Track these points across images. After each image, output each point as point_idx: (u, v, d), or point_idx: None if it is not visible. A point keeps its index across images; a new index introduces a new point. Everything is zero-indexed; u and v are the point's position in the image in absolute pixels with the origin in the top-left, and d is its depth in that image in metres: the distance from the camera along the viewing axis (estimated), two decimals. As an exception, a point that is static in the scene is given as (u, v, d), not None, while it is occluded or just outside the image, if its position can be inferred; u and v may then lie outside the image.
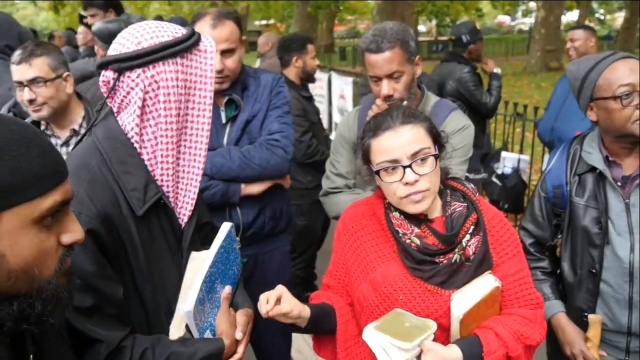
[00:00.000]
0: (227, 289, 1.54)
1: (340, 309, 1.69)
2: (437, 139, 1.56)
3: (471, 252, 1.54)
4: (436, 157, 1.51)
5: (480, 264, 1.54)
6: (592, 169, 1.90)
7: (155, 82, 1.38)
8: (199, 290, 1.38)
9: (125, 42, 1.38)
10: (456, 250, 1.53)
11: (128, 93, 1.39)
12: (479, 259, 1.54)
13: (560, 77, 4.73)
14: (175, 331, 1.45)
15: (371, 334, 1.41)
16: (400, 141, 1.49)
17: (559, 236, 2.05)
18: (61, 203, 0.90)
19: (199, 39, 1.44)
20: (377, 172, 1.53)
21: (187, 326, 1.44)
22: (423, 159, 1.49)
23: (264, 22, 42.37)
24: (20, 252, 0.86)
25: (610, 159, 1.88)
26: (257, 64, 7.03)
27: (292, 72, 3.86)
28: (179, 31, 1.42)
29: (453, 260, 1.52)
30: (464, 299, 1.49)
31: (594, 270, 1.89)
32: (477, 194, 1.64)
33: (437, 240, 1.53)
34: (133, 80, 1.38)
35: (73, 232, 0.94)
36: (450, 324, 1.52)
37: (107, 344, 1.32)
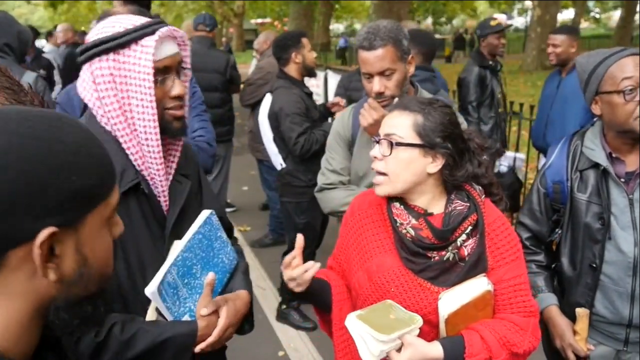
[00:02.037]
0: (210, 275, 1.51)
1: (336, 287, 1.72)
2: (425, 139, 1.55)
3: (466, 253, 1.54)
4: (393, 144, 1.54)
5: (474, 266, 1.54)
6: (595, 165, 1.90)
7: (94, 77, 1.43)
8: (165, 273, 1.40)
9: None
10: (450, 248, 1.54)
11: (89, 84, 1.46)
12: (473, 261, 1.54)
13: (547, 77, 4.76)
14: (149, 316, 1.48)
15: (352, 322, 1.43)
16: (386, 121, 1.61)
17: (558, 231, 2.05)
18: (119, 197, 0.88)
19: (141, 35, 1.40)
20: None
21: (159, 310, 1.46)
22: (390, 143, 1.55)
23: (259, 20, 42.33)
24: (100, 254, 0.82)
25: (614, 155, 1.88)
26: (253, 62, 7.04)
27: (292, 69, 3.85)
28: (127, 25, 1.40)
29: (445, 258, 1.53)
30: (452, 299, 1.49)
31: (594, 265, 1.90)
32: (483, 196, 1.64)
33: (432, 234, 1.54)
34: (85, 73, 1.46)
35: (119, 224, 0.90)
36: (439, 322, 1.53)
37: None
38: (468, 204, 1.59)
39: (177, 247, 1.48)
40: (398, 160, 1.54)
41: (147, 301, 1.46)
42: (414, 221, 1.57)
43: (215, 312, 1.50)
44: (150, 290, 1.38)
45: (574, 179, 1.95)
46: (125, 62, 1.40)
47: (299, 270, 1.55)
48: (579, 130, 2.07)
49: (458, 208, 1.58)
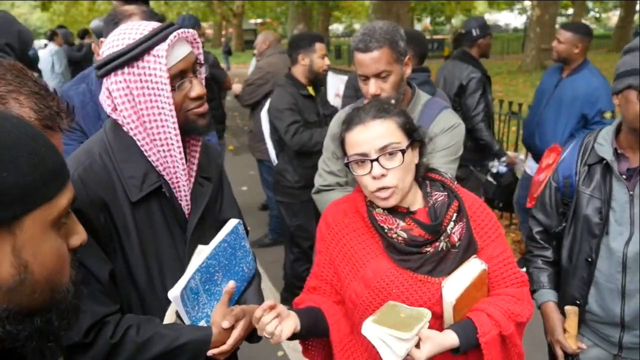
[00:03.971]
0: (231, 284, 1.54)
1: (328, 309, 1.69)
2: (411, 134, 1.57)
3: (456, 239, 1.56)
4: (403, 152, 1.51)
5: (466, 250, 1.57)
6: (601, 160, 1.92)
7: (110, 91, 1.43)
8: (189, 279, 1.41)
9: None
10: (442, 238, 1.55)
11: (105, 96, 1.48)
12: (465, 245, 1.57)
13: (546, 70, 4.64)
14: (168, 318, 1.50)
15: (370, 328, 1.42)
16: (370, 135, 1.52)
17: (563, 224, 2.07)
18: (72, 201, 0.81)
19: (153, 44, 1.38)
20: (348, 165, 1.57)
21: (179, 314, 1.48)
22: (391, 153, 1.50)
23: (259, 20, 42.32)
24: (44, 260, 0.76)
25: (619, 151, 1.89)
26: (252, 62, 7.03)
27: (298, 70, 3.81)
28: (136, 36, 1.39)
29: (439, 249, 1.55)
30: (455, 285, 1.52)
31: (589, 259, 1.93)
32: (455, 183, 1.67)
33: (423, 231, 1.55)
34: (103, 86, 1.46)
35: (79, 234, 0.86)
36: (443, 310, 1.54)
37: (90, 315, 1.38)
38: (446, 193, 1.63)
39: (202, 252, 1.49)
40: (404, 166, 1.53)
41: (165, 302, 1.47)
42: (402, 223, 1.57)
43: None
44: (174, 294, 1.39)
45: (582, 172, 1.98)
46: (141, 74, 1.39)
47: (272, 325, 1.48)
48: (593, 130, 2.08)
49: (439, 199, 1.61)
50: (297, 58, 3.78)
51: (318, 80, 3.92)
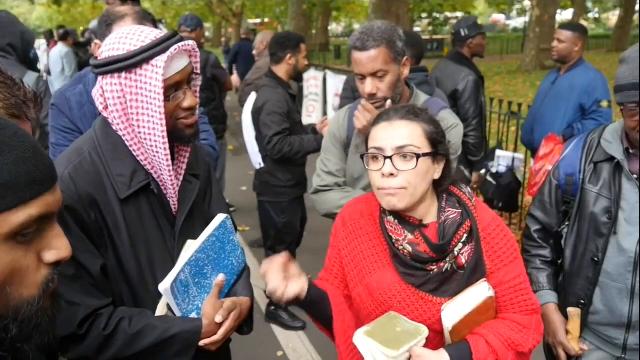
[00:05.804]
0: (220, 277, 1.58)
1: (334, 298, 1.67)
2: (437, 145, 1.54)
3: (464, 261, 1.52)
4: (418, 156, 1.48)
5: (473, 273, 1.53)
6: (610, 159, 1.90)
7: (103, 91, 1.46)
8: (179, 272, 1.45)
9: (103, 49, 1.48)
10: (447, 259, 1.52)
11: (99, 94, 1.51)
12: (472, 268, 1.52)
13: (546, 74, 4.71)
14: (160, 310, 1.54)
15: (360, 339, 1.43)
16: (391, 133, 1.51)
17: (566, 223, 2.05)
18: (38, 218, 0.78)
19: (153, 55, 1.40)
20: (363, 157, 1.56)
21: (170, 306, 1.52)
22: (406, 155, 1.48)
23: (258, 20, 42.32)
24: None
25: (631, 151, 1.87)
26: (252, 62, 7.02)
27: (282, 70, 3.87)
28: (138, 43, 1.41)
29: (444, 269, 1.52)
30: (455, 310, 1.49)
31: (596, 259, 1.90)
32: (474, 199, 1.62)
33: (429, 248, 1.52)
34: (97, 83, 1.50)
35: (57, 250, 0.82)
36: (443, 330, 1.52)
37: (84, 308, 1.43)
38: (460, 210, 1.57)
39: (191, 247, 1.53)
40: (418, 172, 1.49)
41: (157, 296, 1.51)
42: (410, 236, 1.54)
43: (217, 311, 1.56)
44: (164, 286, 1.43)
45: (587, 170, 1.95)
46: (137, 80, 1.42)
47: (276, 281, 1.48)
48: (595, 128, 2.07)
49: (451, 216, 1.56)
50: (284, 58, 3.86)
51: (299, 78, 4.10)
